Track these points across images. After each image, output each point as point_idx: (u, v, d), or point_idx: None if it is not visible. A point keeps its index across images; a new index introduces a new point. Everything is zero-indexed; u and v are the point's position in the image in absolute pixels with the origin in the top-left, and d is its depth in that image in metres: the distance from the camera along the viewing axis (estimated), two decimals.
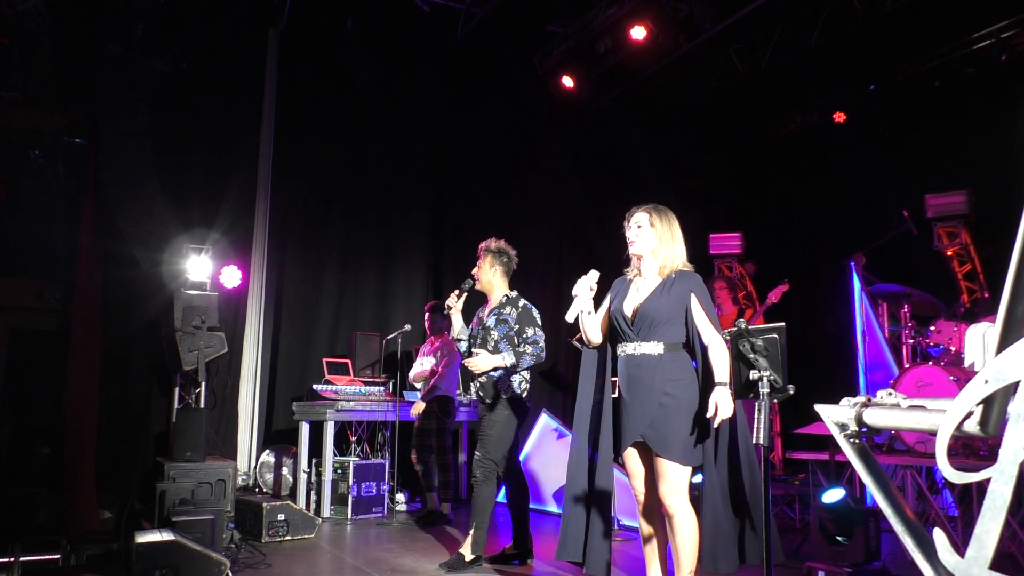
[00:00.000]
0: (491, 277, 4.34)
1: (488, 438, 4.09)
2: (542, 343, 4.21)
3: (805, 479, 5.93)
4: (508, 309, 4.26)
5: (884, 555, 3.85)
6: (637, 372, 3.02)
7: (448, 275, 7.53)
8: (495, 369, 4.16)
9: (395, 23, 7.08)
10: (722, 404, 2.80)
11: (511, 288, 4.39)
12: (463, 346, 4.33)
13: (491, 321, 4.27)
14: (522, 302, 4.30)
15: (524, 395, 4.22)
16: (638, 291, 3.11)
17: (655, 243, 3.08)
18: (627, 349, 3.06)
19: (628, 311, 3.07)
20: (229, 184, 6.40)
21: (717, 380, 2.85)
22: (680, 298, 3.01)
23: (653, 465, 2.99)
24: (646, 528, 3.11)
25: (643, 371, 3.00)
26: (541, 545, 4.54)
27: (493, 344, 4.19)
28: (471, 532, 4.09)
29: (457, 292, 4.27)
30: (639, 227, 3.10)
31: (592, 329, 3.20)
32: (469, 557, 4.04)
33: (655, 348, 2.99)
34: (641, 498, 3.09)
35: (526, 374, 4.25)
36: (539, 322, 4.26)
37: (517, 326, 4.20)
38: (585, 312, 3.13)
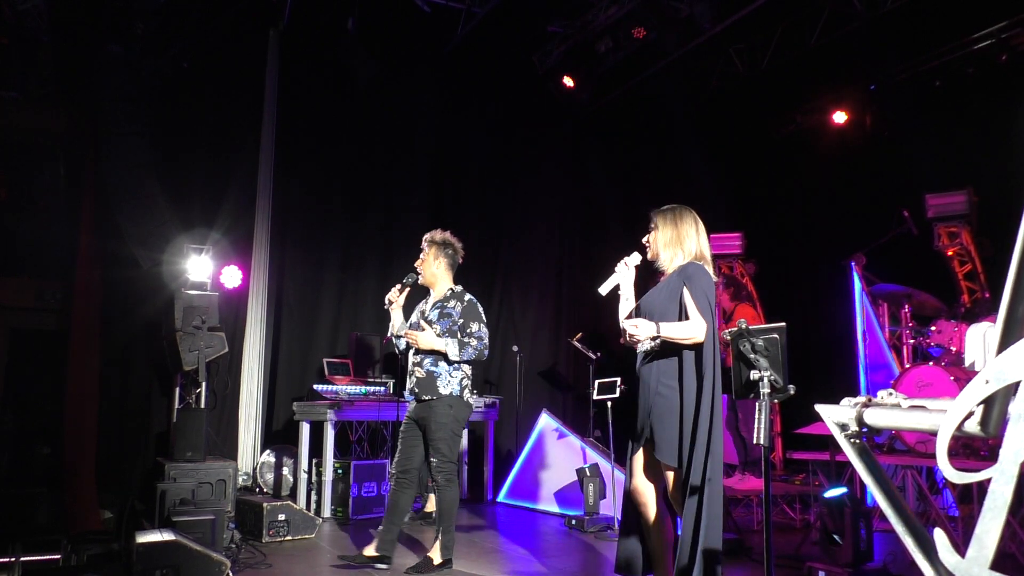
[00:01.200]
0: (435, 270, 4.20)
1: (440, 442, 3.96)
2: (486, 340, 4.09)
3: (805, 479, 5.93)
4: (453, 303, 4.12)
5: (884, 555, 3.85)
6: (641, 370, 3.04)
7: None
8: (435, 355, 4.01)
9: (395, 23, 7.08)
10: (640, 324, 2.88)
11: (456, 282, 4.25)
12: (402, 343, 4.20)
13: (433, 315, 4.11)
14: (467, 296, 4.16)
15: (466, 395, 4.08)
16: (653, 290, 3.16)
17: (657, 246, 3.13)
18: (639, 347, 3.08)
19: (638, 308, 3.14)
20: (229, 184, 6.39)
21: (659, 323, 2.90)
22: (673, 291, 3.00)
23: (655, 463, 3.00)
24: (648, 525, 3.10)
25: (645, 368, 3.02)
26: (542, 545, 4.53)
27: None
28: (439, 536, 4.02)
29: (399, 287, 4.17)
30: (650, 232, 3.16)
31: (624, 316, 3.21)
32: (438, 560, 3.99)
33: (654, 344, 2.99)
34: (641, 497, 3.08)
35: (468, 370, 4.10)
36: (484, 318, 4.13)
37: (461, 320, 4.05)
38: (623, 288, 3.17)
